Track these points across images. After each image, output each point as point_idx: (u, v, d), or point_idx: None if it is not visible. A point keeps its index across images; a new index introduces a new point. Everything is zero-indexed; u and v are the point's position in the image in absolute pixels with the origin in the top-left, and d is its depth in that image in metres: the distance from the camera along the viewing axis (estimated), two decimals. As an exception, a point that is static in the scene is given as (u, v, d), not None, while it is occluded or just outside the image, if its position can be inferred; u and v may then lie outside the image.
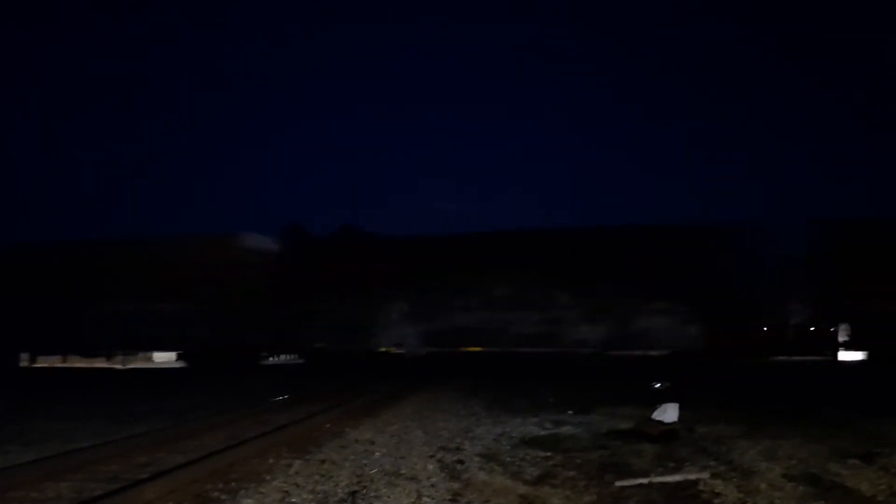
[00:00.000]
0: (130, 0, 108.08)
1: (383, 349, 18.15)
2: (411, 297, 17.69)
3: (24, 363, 21.17)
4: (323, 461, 5.21)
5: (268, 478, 4.61)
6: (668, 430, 6.15)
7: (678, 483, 4.41)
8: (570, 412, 8.19)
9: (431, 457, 5.37)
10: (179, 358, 20.71)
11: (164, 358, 22.76)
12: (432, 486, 4.37)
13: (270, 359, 20.82)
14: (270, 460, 5.25)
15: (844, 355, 16.74)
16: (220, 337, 18.29)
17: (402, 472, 4.80)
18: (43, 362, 22.00)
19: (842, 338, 16.57)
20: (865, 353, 16.49)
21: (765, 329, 16.18)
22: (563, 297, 16.67)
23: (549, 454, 5.45)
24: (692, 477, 4.51)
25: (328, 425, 7.24)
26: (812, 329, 16.29)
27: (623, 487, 4.30)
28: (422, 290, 17.60)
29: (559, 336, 16.55)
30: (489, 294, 17.14)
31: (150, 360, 23.19)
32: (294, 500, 4.07)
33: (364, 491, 4.24)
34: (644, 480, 4.44)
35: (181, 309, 18.33)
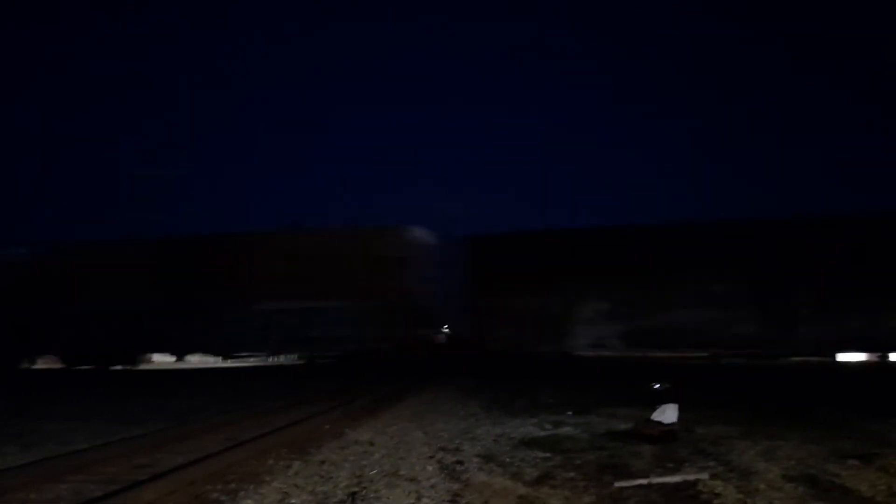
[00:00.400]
0: (130, 0, 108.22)
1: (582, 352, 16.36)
2: (610, 294, 15.99)
3: (144, 364, 19.96)
4: (322, 462, 5.21)
5: (267, 479, 4.61)
6: (667, 431, 6.15)
7: (677, 484, 4.41)
8: (570, 413, 8.19)
9: (431, 458, 5.38)
10: (337, 360, 18.75)
11: (162, 360, 22.50)
12: (432, 486, 4.37)
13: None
14: (270, 461, 5.25)
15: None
16: (382, 336, 16.82)
17: (402, 472, 4.80)
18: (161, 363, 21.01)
19: None
20: None
21: None
22: (797, 293, 14.78)
23: (548, 455, 5.45)
24: (691, 477, 4.52)
25: (327, 426, 7.24)
26: None
27: (622, 488, 4.31)
28: (623, 285, 15.88)
29: (788, 338, 14.82)
30: (705, 290, 15.25)
31: (149, 361, 23.11)
32: (293, 500, 4.08)
33: (363, 492, 4.24)
34: (643, 481, 4.44)
35: (338, 306, 16.86)
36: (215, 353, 19.58)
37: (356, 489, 4.31)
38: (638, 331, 15.77)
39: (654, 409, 6.77)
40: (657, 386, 9.09)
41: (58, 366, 19.34)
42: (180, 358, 21.58)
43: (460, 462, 5.18)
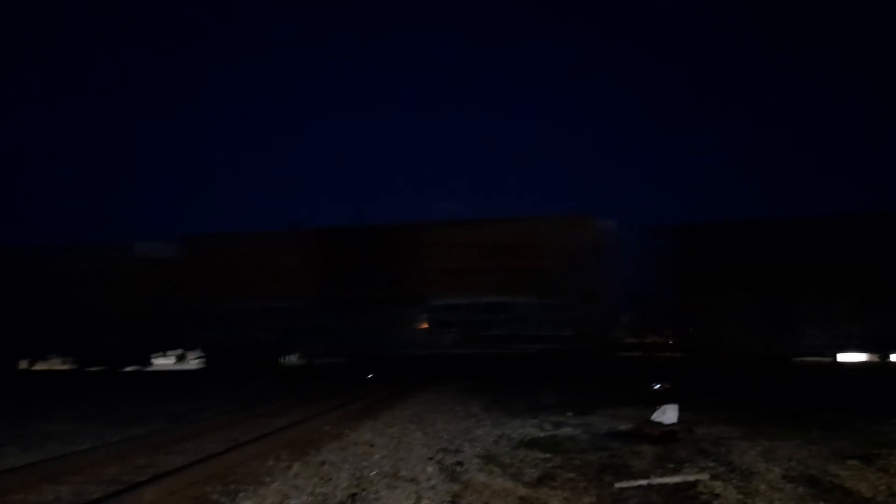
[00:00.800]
0: (130, 0, 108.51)
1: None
2: (854, 289, 14.07)
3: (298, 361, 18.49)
4: (322, 463, 5.21)
5: (267, 480, 4.61)
6: (667, 432, 6.15)
7: (678, 484, 4.41)
8: (570, 413, 8.18)
9: (431, 458, 5.37)
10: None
11: (162, 361, 22.15)
12: (432, 487, 4.37)
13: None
14: (270, 462, 5.25)
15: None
16: (575, 336, 15.28)
17: (402, 473, 4.80)
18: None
19: None
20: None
21: None
22: None
23: (548, 456, 5.45)
24: (692, 478, 4.51)
25: (327, 427, 7.24)
26: None
27: (623, 489, 4.30)
28: (873, 279, 13.98)
29: None
30: None
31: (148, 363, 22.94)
32: (294, 501, 4.07)
33: (363, 493, 4.24)
34: (644, 482, 4.44)
35: (525, 302, 15.34)
36: (377, 353, 17.58)
37: (356, 490, 4.31)
38: (883, 331, 13.93)
39: (654, 410, 6.77)
40: (657, 386, 9.08)
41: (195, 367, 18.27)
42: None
43: (460, 463, 5.17)
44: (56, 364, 20.77)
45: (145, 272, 18.22)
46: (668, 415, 6.54)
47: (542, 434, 6.71)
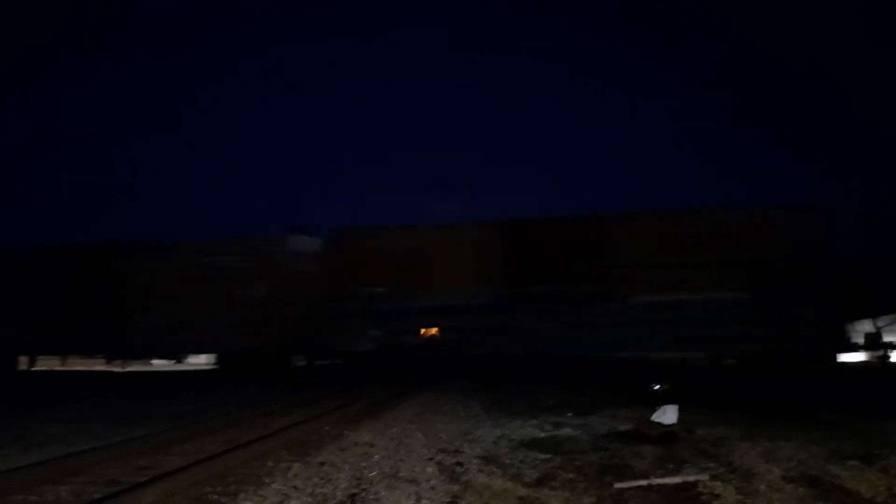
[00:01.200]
0: (130, 1, 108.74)
1: None
2: None
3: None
4: (322, 464, 5.21)
5: (267, 480, 4.61)
6: (667, 432, 6.15)
7: (678, 485, 4.40)
8: (570, 414, 8.18)
9: (431, 459, 5.37)
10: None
11: (160, 361, 21.92)
12: (431, 488, 4.37)
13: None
14: (270, 463, 5.25)
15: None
16: (819, 337, 13.89)
17: (402, 474, 4.80)
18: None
19: None
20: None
21: None
22: None
23: (548, 456, 5.45)
24: (691, 478, 4.51)
25: (327, 428, 7.24)
26: None
27: (622, 489, 4.30)
28: None
29: None
30: None
31: (148, 363, 22.99)
32: (293, 502, 4.08)
33: (363, 493, 4.24)
34: (643, 482, 4.44)
35: (750, 298, 14.07)
36: (568, 355, 15.64)
37: (356, 491, 4.31)
38: None
39: (654, 410, 6.77)
40: (657, 387, 9.08)
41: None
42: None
43: (460, 464, 5.17)
44: (195, 364, 19.81)
45: (295, 268, 16.95)
46: (667, 415, 6.53)
47: (542, 434, 6.71)
